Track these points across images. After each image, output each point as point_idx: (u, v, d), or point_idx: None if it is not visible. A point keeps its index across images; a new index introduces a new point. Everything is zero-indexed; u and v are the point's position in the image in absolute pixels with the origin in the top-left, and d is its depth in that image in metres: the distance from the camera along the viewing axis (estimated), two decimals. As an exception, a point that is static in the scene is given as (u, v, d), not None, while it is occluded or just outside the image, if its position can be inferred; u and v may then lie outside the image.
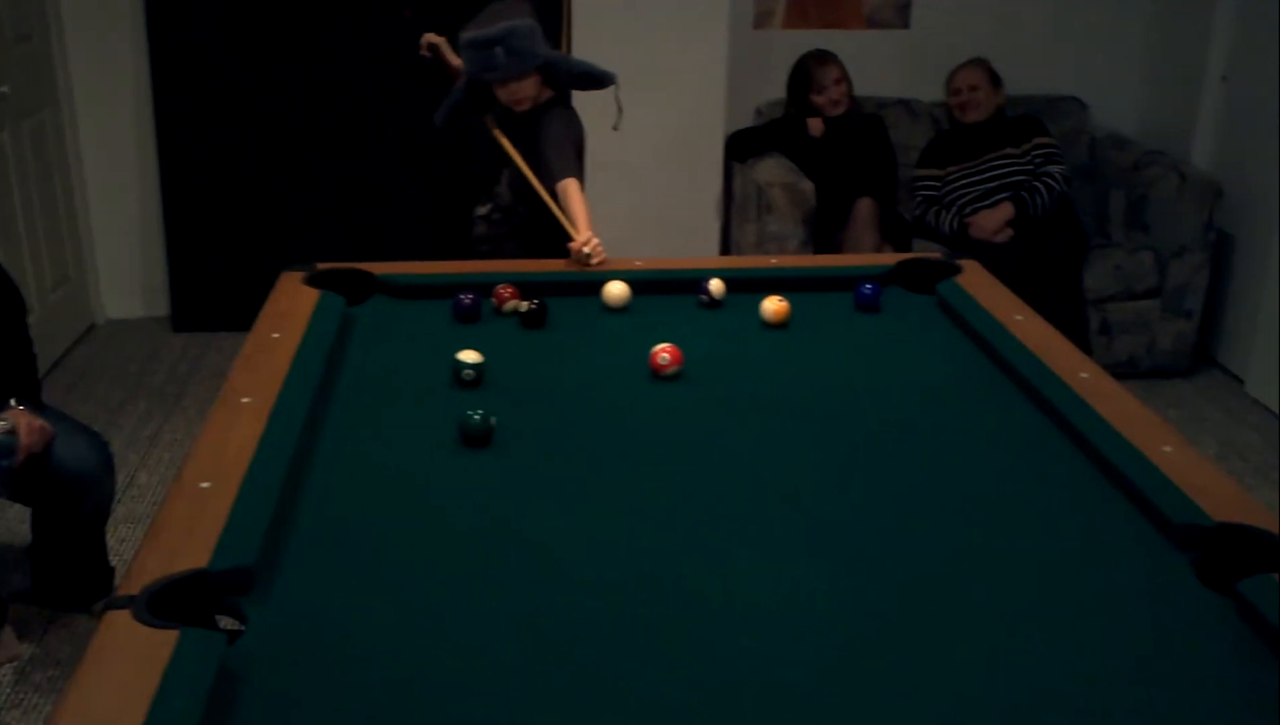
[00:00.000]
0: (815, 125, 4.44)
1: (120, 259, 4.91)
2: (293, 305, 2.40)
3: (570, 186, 2.94)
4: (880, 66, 4.85)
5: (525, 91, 3.02)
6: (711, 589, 1.56)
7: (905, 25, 4.99)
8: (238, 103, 4.63)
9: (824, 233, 4.32)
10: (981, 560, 1.65)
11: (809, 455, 1.94)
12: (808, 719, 1.32)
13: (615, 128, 3.09)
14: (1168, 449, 1.87)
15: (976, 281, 2.63)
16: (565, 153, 3.01)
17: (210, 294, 4.72)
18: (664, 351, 2.18)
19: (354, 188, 4.76)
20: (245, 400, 1.96)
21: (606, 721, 1.31)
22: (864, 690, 1.37)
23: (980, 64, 4.57)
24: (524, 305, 2.45)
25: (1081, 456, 1.91)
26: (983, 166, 4.48)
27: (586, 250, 2.70)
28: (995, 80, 4.55)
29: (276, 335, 2.24)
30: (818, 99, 4.45)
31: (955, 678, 1.39)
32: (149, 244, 4.88)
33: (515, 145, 3.09)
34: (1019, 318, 2.42)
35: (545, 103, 3.10)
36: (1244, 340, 4.60)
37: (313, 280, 2.53)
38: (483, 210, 3.28)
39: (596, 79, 3.12)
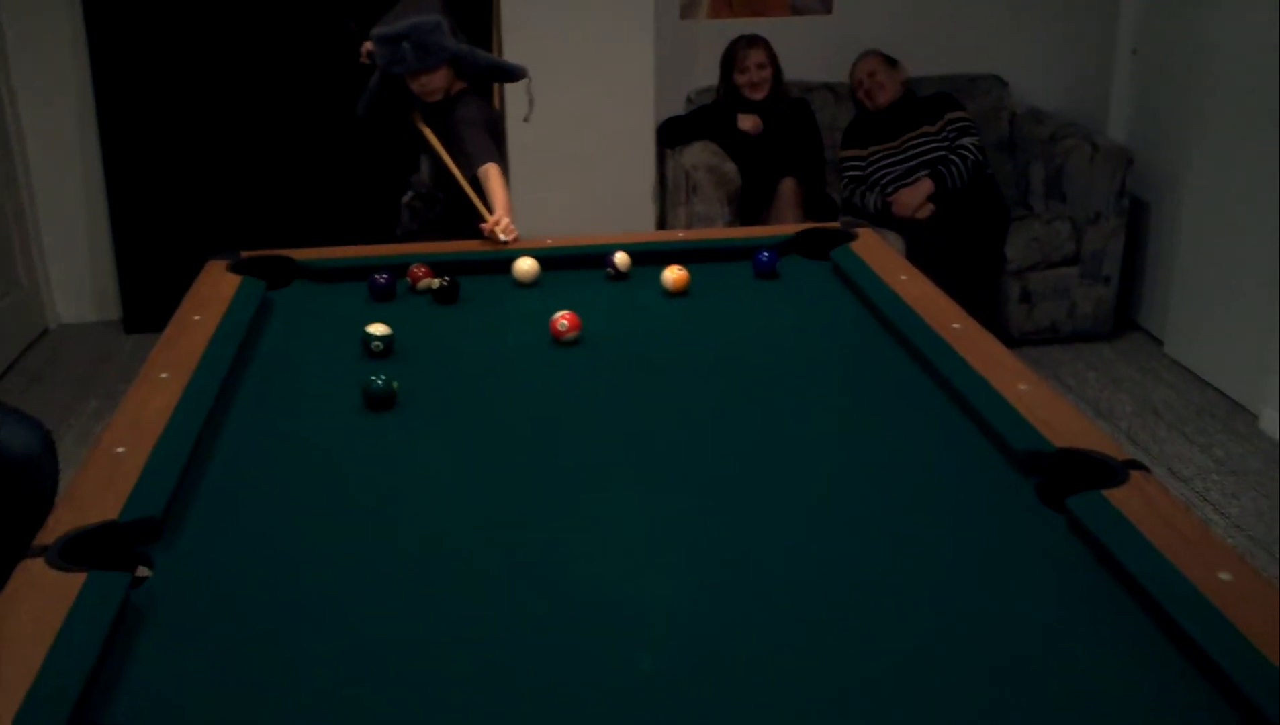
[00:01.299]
0: (746, 121, 4.58)
1: (70, 263, 5.01)
2: (215, 290, 2.52)
3: (491, 171, 3.08)
4: (805, 51, 4.99)
5: (435, 84, 3.18)
6: (595, 530, 1.69)
7: (828, 10, 5.14)
8: (180, 105, 4.75)
9: (749, 213, 4.47)
10: (846, 490, 1.80)
11: (696, 409, 2.07)
12: (689, 635, 1.46)
13: (526, 119, 3.29)
14: (1023, 387, 2.02)
15: (869, 247, 2.78)
16: (482, 138, 3.14)
17: (160, 295, 4.80)
18: (562, 318, 2.31)
19: (298, 183, 4.88)
20: (163, 375, 2.08)
21: (500, 638, 1.44)
22: (738, 604, 1.51)
23: (873, 53, 4.74)
24: (436, 283, 2.57)
25: (944, 397, 2.06)
26: (902, 146, 4.63)
27: (498, 230, 2.82)
28: (891, 63, 4.71)
29: (197, 317, 2.36)
30: (739, 79, 4.59)
31: (820, 587, 1.54)
32: (98, 248, 4.98)
33: (434, 133, 3.23)
34: (903, 277, 2.57)
35: (459, 92, 3.24)
36: (1161, 303, 4.77)
37: (236, 267, 2.65)
38: (406, 199, 3.41)
39: (506, 72, 3.29)
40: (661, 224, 5.01)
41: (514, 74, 3.29)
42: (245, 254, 2.72)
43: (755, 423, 2.03)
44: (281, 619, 1.48)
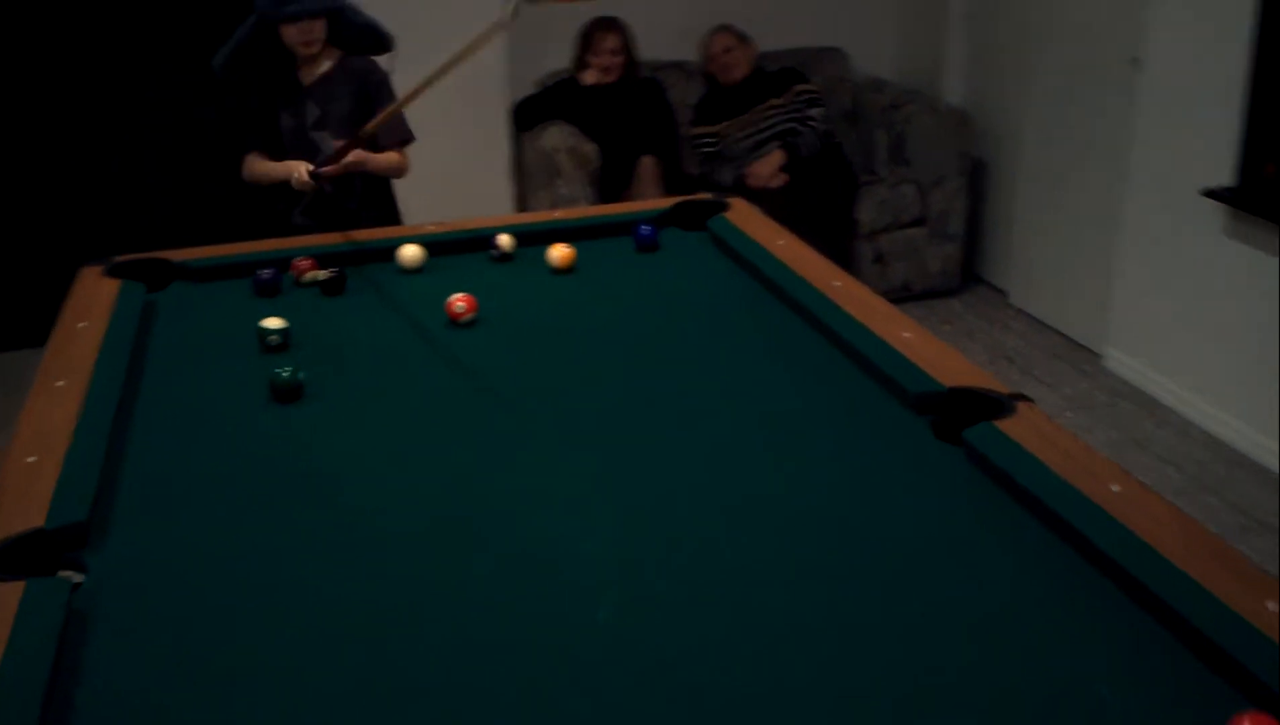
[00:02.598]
0: (586, 75, 4.65)
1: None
2: (95, 296, 2.47)
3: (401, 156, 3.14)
4: (652, 30, 5.06)
5: (318, 33, 3.04)
6: (525, 491, 1.75)
7: (673, -11, 5.23)
8: (20, 114, 4.57)
9: (611, 192, 4.54)
10: (754, 437, 1.89)
11: (601, 376, 2.14)
12: (630, 580, 1.52)
13: None
14: (907, 335, 2.14)
15: (743, 215, 2.88)
16: (402, 117, 3.07)
17: (18, 311, 4.65)
18: (459, 300, 2.35)
19: (150, 188, 4.76)
20: (59, 383, 2.05)
21: (451, 601, 1.48)
22: (667, 546, 1.58)
23: (725, 28, 4.85)
24: (322, 274, 2.57)
25: (832, 348, 2.16)
26: (753, 119, 4.76)
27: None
28: (744, 39, 4.83)
29: (83, 324, 2.32)
30: (591, 60, 4.66)
31: (744, 524, 1.63)
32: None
33: (324, 105, 3.11)
34: (781, 242, 2.67)
35: (344, 59, 3.13)
36: (1004, 257, 5.02)
37: (112, 271, 2.60)
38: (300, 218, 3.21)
39: (380, 38, 3.17)
40: (521, 207, 5.03)
41: (388, 42, 3.16)
42: (119, 258, 2.67)
43: (658, 384, 2.10)
44: (229, 606, 1.49)
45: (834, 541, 1.60)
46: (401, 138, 3.14)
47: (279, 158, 3.16)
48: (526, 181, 4.89)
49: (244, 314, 2.43)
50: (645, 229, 2.77)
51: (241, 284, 2.60)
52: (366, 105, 3.09)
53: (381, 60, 3.18)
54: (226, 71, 3.12)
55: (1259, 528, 3.30)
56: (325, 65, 3.15)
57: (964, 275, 5.08)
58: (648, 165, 4.52)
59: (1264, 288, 3.55)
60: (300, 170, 2.99)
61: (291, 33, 3.03)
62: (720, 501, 1.71)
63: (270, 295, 2.56)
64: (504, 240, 2.72)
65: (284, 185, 3.11)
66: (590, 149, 4.47)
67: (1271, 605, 1.35)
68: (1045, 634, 1.40)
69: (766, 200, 4.64)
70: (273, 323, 2.26)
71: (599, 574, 1.54)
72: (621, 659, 1.37)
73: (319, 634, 1.43)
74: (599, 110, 4.67)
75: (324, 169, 2.98)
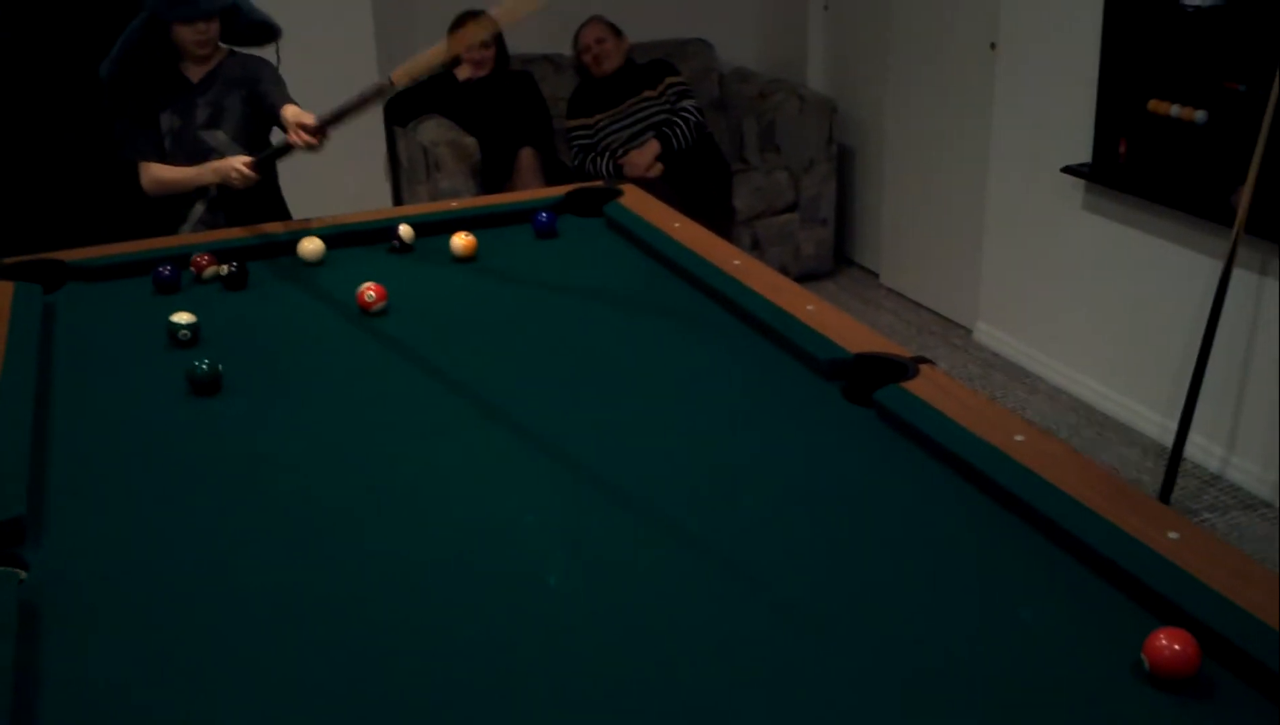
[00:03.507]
0: (461, 71, 4.68)
1: None
2: (-12, 299, 2.42)
3: (295, 107, 2.94)
4: (522, 25, 5.09)
5: (213, 33, 3.00)
6: (459, 469, 1.79)
7: (541, -16, 5.26)
8: None
9: (493, 184, 4.57)
10: (674, 407, 1.96)
11: (518, 356, 2.19)
12: (570, 548, 1.57)
13: None
14: (811, 308, 2.23)
15: (637, 201, 2.95)
16: (285, 89, 3.02)
17: None
18: (369, 289, 2.37)
19: (43, 186, 4.61)
20: (-31, 387, 2.01)
21: (400, 576, 1.52)
22: (602, 512, 1.64)
23: (599, 20, 4.92)
24: (223, 269, 2.56)
25: (742, 324, 2.25)
26: (627, 111, 4.84)
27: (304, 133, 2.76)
28: (617, 32, 4.91)
29: (-19, 326, 2.27)
30: (464, 54, 4.68)
31: (672, 488, 1.69)
32: None
33: (214, 104, 3.07)
34: (677, 225, 2.75)
35: (228, 55, 3.10)
36: (873, 239, 5.20)
37: (3, 274, 2.54)
38: (192, 224, 3.07)
39: (270, 30, 3.14)
40: (398, 201, 5.03)
41: (276, 32, 3.14)
42: (9, 261, 2.61)
43: (576, 362, 2.16)
44: (176, 596, 1.50)
45: (762, 502, 1.68)
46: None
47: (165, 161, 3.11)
48: (402, 176, 4.88)
49: (147, 311, 2.41)
50: (543, 216, 2.82)
51: (139, 282, 2.57)
52: (258, 100, 3.06)
53: (268, 50, 3.17)
54: (116, 77, 3.05)
55: (1133, 484, 3.50)
56: (212, 62, 3.11)
57: (836, 258, 5.25)
58: (527, 157, 4.56)
59: (1120, 257, 3.77)
60: (235, 166, 2.86)
61: (186, 33, 2.98)
62: (649, 471, 1.77)
63: (171, 292, 2.54)
64: (404, 231, 2.74)
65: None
66: (470, 142, 4.49)
67: (1172, 534, 1.48)
68: (968, 570, 1.50)
69: (644, 189, 4.73)
70: (182, 317, 2.24)
71: (543, 543, 1.59)
72: (575, 622, 1.42)
73: (266, 619, 1.44)
74: (475, 104, 4.70)
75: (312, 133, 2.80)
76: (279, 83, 3.06)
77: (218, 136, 3.10)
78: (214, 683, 1.33)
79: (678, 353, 2.20)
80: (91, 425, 1.95)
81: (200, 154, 3.07)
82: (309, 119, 2.77)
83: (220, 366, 2.06)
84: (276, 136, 3.04)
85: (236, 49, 3.16)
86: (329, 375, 2.14)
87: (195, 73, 3.10)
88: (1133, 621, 1.36)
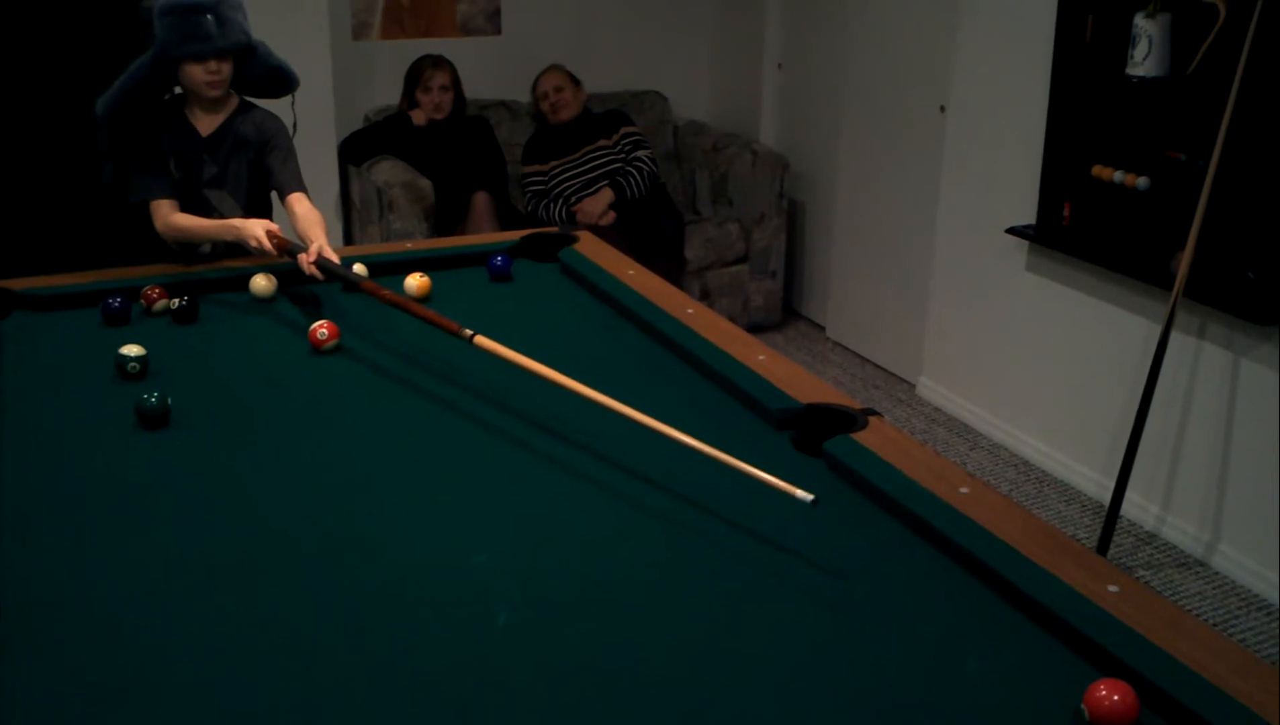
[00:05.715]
0: (418, 115, 4.71)
1: None
2: (-68, 325, 2.39)
3: (305, 198, 2.80)
4: (478, 71, 5.15)
5: (226, 74, 2.75)
6: (411, 507, 1.79)
7: (498, 31, 5.33)
8: None
9: (446, 228, 4.58)
10: (623, 450, 1.97)
11: (470, 397, 2.19)
12: (522, 586, 1.58)
13: (292, 134, 2.94)
14: (762, 357, 2.27)
15: (592, 247, 2.98)
16: (296, 165, 2.86)
17: None
18: (321, 327, 2.37)
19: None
20: (-91, 413, 1.98)
21: (348, 611, 1.51)
22: (553, 552, 1.64)
23: (559, 69, 4.98)
24: (174, 302, 2.55)
25: (693, 371, 2.27)
26: (581, 159, 4.88)
27: (315, 260, 2.52)
28: (575, 81, 4.97)
29: (-76, 353, 2.24)
30: (422, 97, 4.71)
31: (620, 530, 1.70)
32: None
33: (221, 162, 2.85)
34: (631, 272, 2.78)
35: (241, 108, 2.88)
36: (821, 293, 5.27)
37: (-53, 301, 2.52)
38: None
39: (287, 78, 2.89)
40: (349, 241, 5.02)
41: (294, 81, 2.88)
42: (-47, 288, 2.58)
43: (529, 405, 2.16)
44: (124, 626, 1.48)
45: (709, 548, 1.69)
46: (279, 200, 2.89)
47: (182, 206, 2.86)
48: (355, 216, 4.88)
49: (95, 342, 2.40)
50: (499, 259, 2.84)
51: (88, 313, 2.55)
52: (260, 162, 2.88)
53: (284, 104, 2.95)
54: (113, 116, 2.80)
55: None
56: (224, 114, 2.88)
57: (784, 310, 5.30)
58: (482, 201, 4.58)
59: (1062, 318, 3.85)
60: (259, 233, 2.63)
61: (197, 73, 2.73)
62: (599, 515, 1.78)
63: (120, 324, 2.52)
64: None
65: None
66: (425, 184, 4.51)
67: (1112, 588, 1.51)
68: (913, 618, 1.52)
69: (598, 237, 4.78)
70: (131, 350, 2.23)
71: (492, 582, 1.59)
72: (523, 658, 1.43)
73: (212, 650, 1.44)
74: (431, 146, 4.72)
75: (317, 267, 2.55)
76: (290, 157, 2.86)
77: (224, 199, 2.90)
78: (160, 716, 1.32)
79: (630, 398, 2.19)
80: (37, 456, 1.93)
81: (203, 212, 2.86)
82: (313, 253, 2.53)
83: (169, 400, 2.05)
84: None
85: (250, 100, 2.94)
86: (279, 411, 2.13)
87: (205, 124, 2.86)
88: (1073, 672, 1.38)
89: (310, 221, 2.69)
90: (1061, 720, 1.31)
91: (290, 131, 2.94)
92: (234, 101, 2.90)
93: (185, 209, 2.86)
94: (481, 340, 2.15)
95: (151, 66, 2.74)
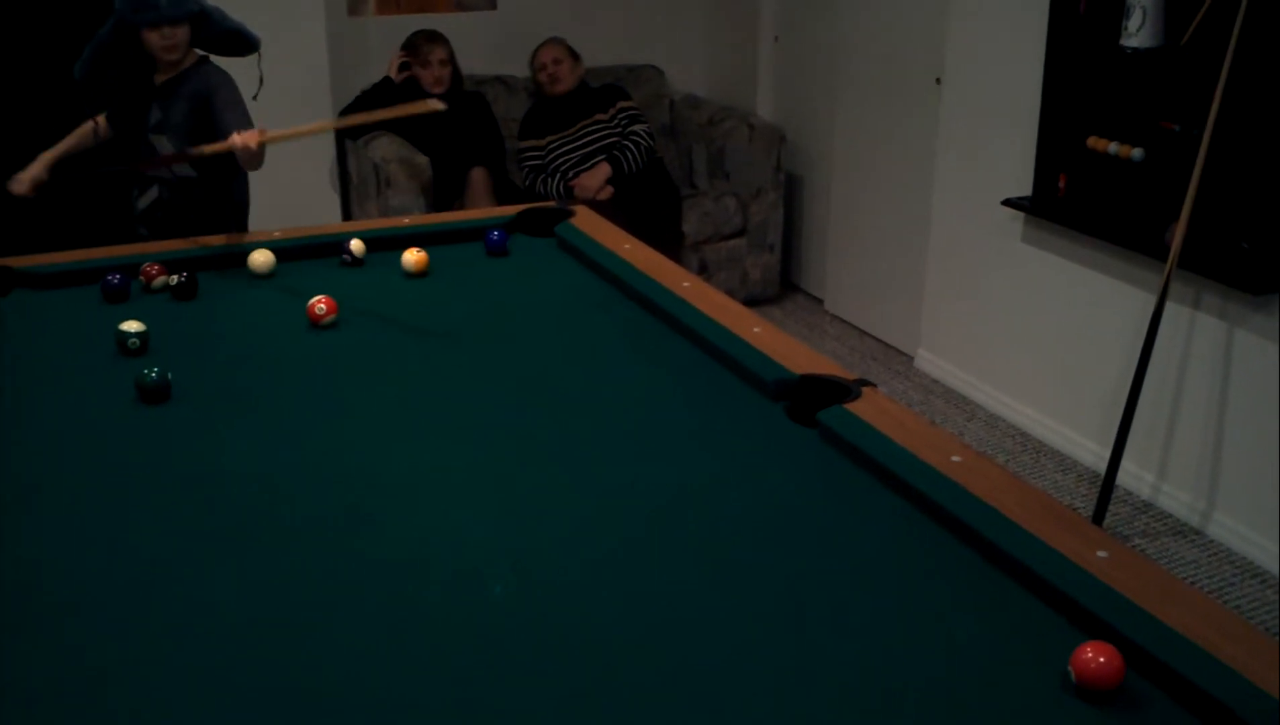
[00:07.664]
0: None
1: None
2: (-67, 303, 2.40)
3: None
4: (474, 46, 5.14)
5: (179, 38, 3.01)
6: (415, 480, 1.81)
7: (493, 6, 5.32)
8: None
9: (444, 203, 4.59)
10: (623, 425, 1.99)
11: (470, 371, 2.21)
12: (525, 561, 1.60)
13: (255, 97, 3.10)
14: (757, 330, 2.28)
15: (588, 222, 2.99)
16: (242, 111, 3.00)
17: None
18: (320, 302, 2.38)
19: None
20: (-89, 390, 2.00)
21: (354, 583, 1.53)
22: (554, 528, 1.66)
23: (558, 41, 4.97)
24: (173, 279, 2.56)
25: (690, 344, 2.29)
26: (578, 133, 4.88)
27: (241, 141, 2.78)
28: (574, 54, 4.96)
29: (-75, 331, 2.26)
30: (421, 73, 4.71)
31: (624, 504, 1.72)
32: None
33: (165, 109, 3.07)
34: (628, 247, 2.79)
35: (199, 62, 3.11)
36: (819, 266, 5.28)
37: (-53, 279, 2.53)
38: (145, 202, 3.18)
39: (247, 40, 3.13)
40: (347, 217, 5.03)
41: (255, 42, 3.13)
42: (-46, 266, 2.59)
43: (527, 379, 2.18)
44: (125, 602, 1.50)
45: (707, 520, 1.71)
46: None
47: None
48: (352, 191, 4.89)
49: (95, 319, 2.41)
50: (495, 234, 2.85)
51: (88, 291, 2.57)
52: (203, 110, 3.05)
53: (248, 62, 3.14)
54: (87, 77, 3.08)
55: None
56: (180, 69, 3.10)
57: (782, 284, 5.32)
58: (479, 176, 4.59)
59: (1058, 289, 3.86)
60: (249, 136, 2.83)
61: (153, 38, 3.00)
62: (596, 487, 1.80)
63: (119, 301, 2.54)
64: (356, 246, 2.76)
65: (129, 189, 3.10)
66: (422, 160, 4.51)
67: (1102, 553, 1.53)
68: (905, 584, 1.54)
69: (595, 212, 4.78)
70: (132, 326, 2.25)
71: (491, 555, 1.61)
72: (519, 632, 1.45)
73: (214, 626, 1.45)
74: (428, 122, 4.71)
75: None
76: (235, 104, 3.02)
77: (164, 144, 3.09)
78: (161, 692, 1.34)
79: (627, 371, 2.23)
80: (39, 432, 1.95)
81: (146, 156, 3.09)
82: (254, 138, 2.81)
83: (169, 375, 2.07)
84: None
85: (209, 55, 3.15)
86: (278, 385, 2.15)
87: (161, 76, 3.11)
88: (1062, 636, 1.40)
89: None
90: (1049, 683, 1.33)
91: (241, 86, 3.10)
92: (193, 57, 3.13)
93: (129, 150, 3.14)
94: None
95: (113, 33, 3.02)
